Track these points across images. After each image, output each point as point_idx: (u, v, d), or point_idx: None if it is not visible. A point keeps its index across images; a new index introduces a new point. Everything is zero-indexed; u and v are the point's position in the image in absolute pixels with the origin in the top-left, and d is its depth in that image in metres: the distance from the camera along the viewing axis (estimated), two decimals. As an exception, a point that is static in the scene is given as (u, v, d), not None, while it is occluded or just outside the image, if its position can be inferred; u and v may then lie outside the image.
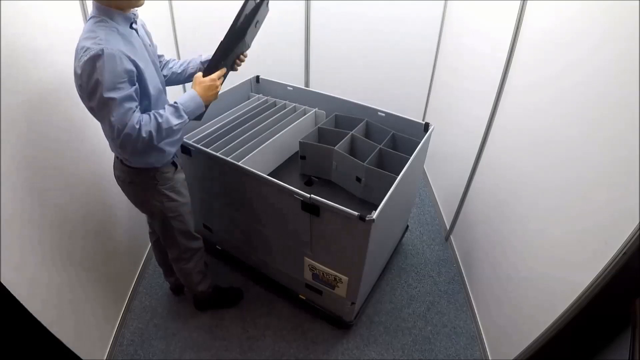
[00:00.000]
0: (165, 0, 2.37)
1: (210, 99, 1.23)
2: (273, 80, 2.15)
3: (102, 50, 0.97)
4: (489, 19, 1.87)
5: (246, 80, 2.13)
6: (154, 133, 1.08)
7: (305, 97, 2.08)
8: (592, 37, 1.12)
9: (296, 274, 1.70)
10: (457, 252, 2.16)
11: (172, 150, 1.31)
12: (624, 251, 0.93)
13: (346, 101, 1.94)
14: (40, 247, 1.25)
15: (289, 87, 2.10)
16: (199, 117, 1.26)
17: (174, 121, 1.13)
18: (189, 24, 2.50)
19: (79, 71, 1.00)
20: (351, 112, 1.95)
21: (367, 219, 1.24)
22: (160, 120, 1.10)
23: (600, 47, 1.09)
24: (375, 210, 1.27)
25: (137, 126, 1.04)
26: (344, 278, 1.51)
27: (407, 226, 2.27)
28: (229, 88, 2.01)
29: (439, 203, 2.52)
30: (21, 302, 1.08)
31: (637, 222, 0.89)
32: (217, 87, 1.24)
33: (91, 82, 0.98)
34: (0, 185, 1.06)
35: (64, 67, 1.31)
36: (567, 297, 1.11)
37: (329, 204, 1.30)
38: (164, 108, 1.15)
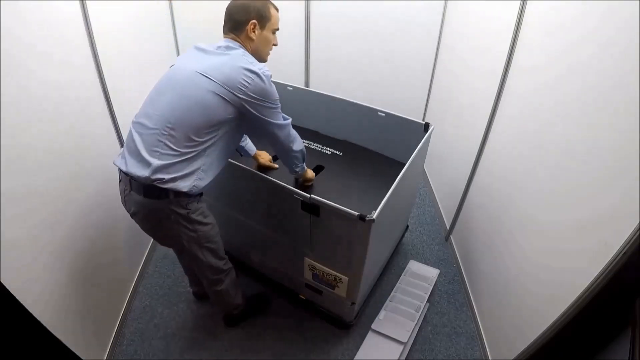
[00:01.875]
0: (165, 0, 2.37)
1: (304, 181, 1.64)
2: (273, 80, 2.14)
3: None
4: (489, 20, 1.87)
5: (246, 80, 2.13)
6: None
7: (305, 97, 2.08)
8: (593, 38, 1.12)
9: (296, 273, 1.70)
10: (457, 252, 2.16)
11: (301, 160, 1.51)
12: (624, 251, 0.93)
13: (346, 101, 1.94)
14: (40, 247, 1.25)
15: (289, 87, 2.10)
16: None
17: (299, 147, 1.43)
18: (189, 24, 2.50)
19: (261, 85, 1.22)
20: (351, 112, 1.95)
21: (367, 218, 1.24)
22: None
23: (600, 48, 1.09)
24: (375, 210, 1.27)
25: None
26: (344, 278, 1.51)
27: (407, 226, 2.27)
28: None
29: (439, 203, 2.52)
30: (21, 302, 1.08)
31: (637, 222, 0.89)
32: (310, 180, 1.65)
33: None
34: (0, 186, 1.06)
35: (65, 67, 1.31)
36: (567, 297, 1.11)
37: (329, 204, 1.30)
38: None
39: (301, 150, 1.45)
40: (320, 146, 2.06)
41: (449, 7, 2.41)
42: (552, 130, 1.31)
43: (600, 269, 1.00)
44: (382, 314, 1.77)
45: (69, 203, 1.40)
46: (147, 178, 1.14)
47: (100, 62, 1.58)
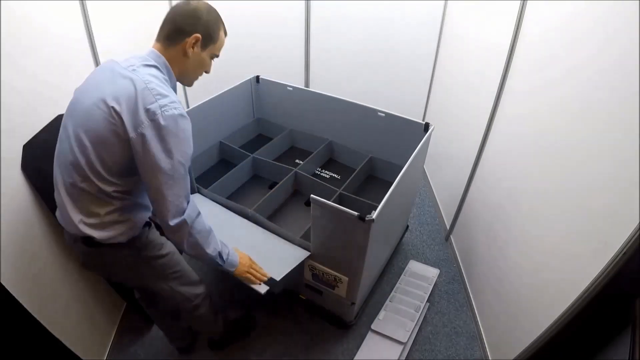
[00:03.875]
0: (166, 0, 2.37)
1: (238, 276, 1.28)
2: (273, 80, 2.15)
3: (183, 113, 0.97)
4: (489, 20, 1.87)
5: (246, 80, 2.13)
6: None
7: (305, 97, 2.08)
8: (593, 39, 1.12)
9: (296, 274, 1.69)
10: (457, 252, 2.16)
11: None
12: (624, 251, 0.93)
13: (346, 101, 1.95)
14: (40, 247, 1.25)
15: (288, 87, 2.10)
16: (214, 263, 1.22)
17: (212, 247, 1.14)
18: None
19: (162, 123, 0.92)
20: (351, 112, 1.95)
21: (367, 219, 1.24)
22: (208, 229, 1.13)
23: (600, 50, 1.09)
24: (375, 210, 1.27)
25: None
26: (344, 278, 1.51)
27: (407, 226, 2.27)
28: (229, 88, 2.01)
29: (439, 203, 2.52)
30: (21, 302, 1.08)
31: (637, 222, 0.89)
32: (250, 274, 1.29)
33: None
34: (0, 186, 1.06)
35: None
36: (567, 297, 1.11)
37: (329, 204, 1.30)
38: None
39: (213, 246, 1.15)
40: (320, 169, 2.10)
41: (449, 7, 2.41)
42: (552, 130, 1.31)
43: (600, 269, 1.00)
44: (382, 314, 1.78)
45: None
46: None
47: (101, 62, 1.58)
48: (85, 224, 1.00)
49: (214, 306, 1.48)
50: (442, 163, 2.51)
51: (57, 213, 1.09)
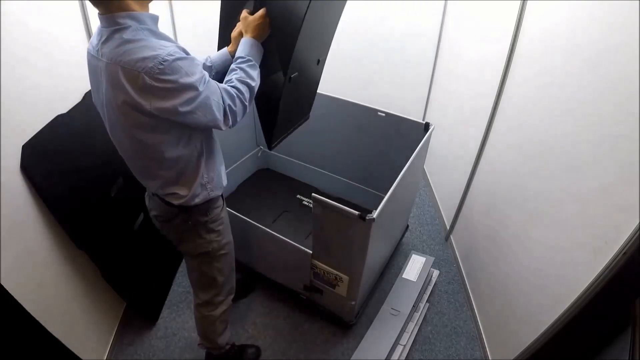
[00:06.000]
0: (165, 0, 2.37)
1: (264, 38, 1.10)
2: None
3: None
4: (489, 19, 1.87)
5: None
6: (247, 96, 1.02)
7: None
8: (593, 38, 1.12)
9: (297, 273, 1.70)
10: (457, 252, 2.16)
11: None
12: (624, 251, 0.93)
13: (346, 101, 1.95)
14: (40, 247, 1.25)
15: (289, 87, 2.10)
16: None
17: (254, 73, 1.05)
18: (189, 24, 2.49)
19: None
20: (351, 112, 1.95)
21: (367, 218, 1.24)
22: (248, 81, 1.03)
23: (601, 49, 1.09)
24: (376, 209, 1.27)
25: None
26: (345, 277, 1.51)
27: (407, 226, 2.27)
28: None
29: (439, 203, 2.52)
30: (21, 302, 1.08)
31: (637, 222, 0.89)
32: (267, 22, 1.08)
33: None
34: (0, 186, 1.06)
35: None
36: (567, 297, 1.12)
37: (330, 203, 1.31)
38: (236, 69, 1.04)
39: (251, 89, 1.05)
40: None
41: (449, 7, 2.41)
42: (553, 130, 1.31)
43: (600, 269, 1.00)
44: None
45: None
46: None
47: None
48: None
49: (227, 319, 1.46)
50: (442, 163, 2.51)
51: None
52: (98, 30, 0.92)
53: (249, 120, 2.31)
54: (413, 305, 1.78)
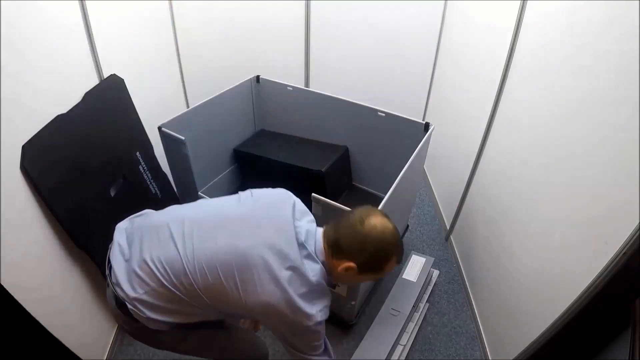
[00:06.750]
0: (165, 0, 2.37)
1: None
2: (273, 80, 2.15)
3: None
4: (489, 19, 1.87)
5: (246, 80, 2.13)
6: None
7: (305, 97, 2.08)
8: (593, 39, 1.12)
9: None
10: (457, 252, 2.16)
11: None
12: (624, 251, 0.93)
13: (346, 101, 1.95)
14: (40, 247, 1.25)
15: (289, 87, 2.10)
16: None
17: None
18: (189, 24, 2.49)
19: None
20: (351, 112, 1.95)
21: (367, 219, 1.24)
22: None
23: (600, 47, 1.09)
24: (375, 210, 1.27)
25: None
26: (344, 278, 1.51)
27: (407, 226, 2.27)
28: (228, 88, 2.01)
29: (439, 203, 2.52)
30: (21, 302, 1.08)
31: (637, 222, 0.89)
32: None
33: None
34: (0, 186, 1.06)
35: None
36: (567, 297, 1.11)
37: (330, 203, 1.31)
38: None
39: None
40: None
41: (449, 7, 2.41)
42: (552, 130, 1.31)
43: (600, 269, 1.00)
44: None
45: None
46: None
47: (100, 62, 1.58)
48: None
49: None
50: (442, 163, 2.51)
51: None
52: None
53: (249, 117, 2.31)
54: (413, 306, 1.78)
